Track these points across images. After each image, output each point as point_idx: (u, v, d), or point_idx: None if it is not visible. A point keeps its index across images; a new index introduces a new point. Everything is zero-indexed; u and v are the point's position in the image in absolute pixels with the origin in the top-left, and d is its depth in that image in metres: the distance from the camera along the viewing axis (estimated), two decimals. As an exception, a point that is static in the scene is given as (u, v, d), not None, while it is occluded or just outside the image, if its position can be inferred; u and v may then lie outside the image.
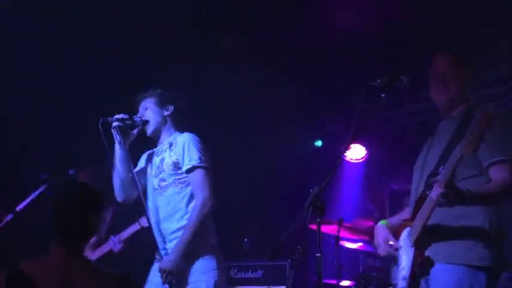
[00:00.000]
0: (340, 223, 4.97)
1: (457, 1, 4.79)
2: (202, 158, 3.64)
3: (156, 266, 3.62)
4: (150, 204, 3.76)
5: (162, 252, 3.57)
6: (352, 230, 5.20)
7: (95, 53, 5.33)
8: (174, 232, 3.62)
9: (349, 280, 5.38)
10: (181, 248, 3.50)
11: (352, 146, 6.52)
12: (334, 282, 4.90)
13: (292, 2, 5.19)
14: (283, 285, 5.29)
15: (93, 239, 4.75)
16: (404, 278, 2.97)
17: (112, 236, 4.80)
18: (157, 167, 3.77)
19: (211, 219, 3.67)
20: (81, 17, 4.95)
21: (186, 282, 3.54)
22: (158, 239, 3.61)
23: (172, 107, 3.85)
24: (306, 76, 5.72)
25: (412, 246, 2.93)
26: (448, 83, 3.08)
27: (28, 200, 3.60)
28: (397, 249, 3.07)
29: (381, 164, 6.75)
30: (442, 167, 2.85)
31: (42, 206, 3.32)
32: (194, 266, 3.55)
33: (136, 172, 3.81)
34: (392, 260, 3.13)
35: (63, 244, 2.56)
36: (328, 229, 5.03)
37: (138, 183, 3.66)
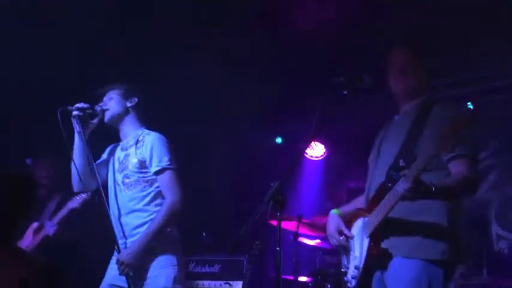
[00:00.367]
0: (299, 219, 5.01)
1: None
2: (172, 159, 3.63)
3: (114, 259, 3.58)
4: (111, 197, 3.72)
5: (122, 245, 3.54)
6: (311, 226, 5.25)
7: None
8: (136, 228, 3.59)
9: (306, 276, 5.43)
10: (143, 242, 3.48)
11: (313, 143, 6.59)
12: (291, 278, 4.93)
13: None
14: (240, 280, 5.31)
15: (35, 224, 4.95)
16: (356, 268, 2.99)
17: (47, 221, 4.91)
18: (121, 162, 3.74)
19: (177, 216, 3.66)
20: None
21: (145, 277, 3.52)
22: (117, 233, 3.58)
23: (136, 99, 3.83)
24: (265, 73, 5.75)
25: (367, 237, 2.96)
26: (407, 74, 3.11)
27: None
28: (348, 238, 3.10)
29: (339, 162, 6.83)
30: (401, 160, 2.90)
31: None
32: (154, 261, 3.54)
33: (98, 164, 3.78)
34: (342, 248, 3.17)
35: None
36: (287, 225, 5.07)
37: (97, 175, 3.62)
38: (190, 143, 5.88)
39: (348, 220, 3.16)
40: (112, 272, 3.59)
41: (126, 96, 3.82)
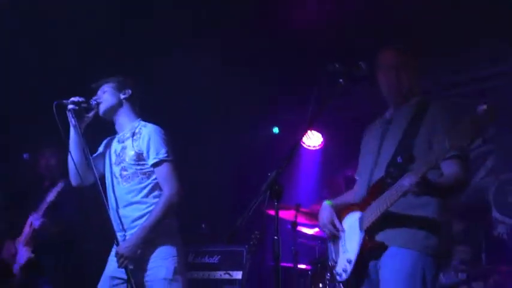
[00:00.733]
0: (297, 208, 5.01)
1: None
2: (169, 151, 3.63)
3: (114, 252, 3.58)
4: (109, 190, 3.72)
5: (121, 238, 3.55)
6: (310, 215, 5.25)
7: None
8: (135, 220, 3.60)
9: (305, 265, 5.44)
10: (142, 235, 3.48)
11: (309, 132, 6.58)
12: (291, 265, 4.94)
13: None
14: (240, 270, 5.32)
15: (31, 217, 4.96)
16: (349, 261, 3.03)
17: (34, 213, 4.93)
18: (118, 155, 3.73)
19: (175, 208, 3.66)
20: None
21: (145, 268, 3.53)
22: (116, 225, 3.58)
23: (129, 90, 3.82)
24: (264, 69, 5.76)
25: (361, 231, 2.98)
26: (398, 75, 3.11)
27: None
28: (339, 231, 3.13)
29: (336, 151, 6.82)
30: (399, 157, 2.92)
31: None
32: (154, 253, 3.54)
33: (95, 157, 3.78)
34: (332, 239, 3.20)
35: None
36: (286, 214, 5.07)
37: (94, 168, 3.61)
38: (187, 134, 5.88)
39: (339, 212, 3.20)
40: (112, 264, 3.59)
41: (119, 89, 3.81)
